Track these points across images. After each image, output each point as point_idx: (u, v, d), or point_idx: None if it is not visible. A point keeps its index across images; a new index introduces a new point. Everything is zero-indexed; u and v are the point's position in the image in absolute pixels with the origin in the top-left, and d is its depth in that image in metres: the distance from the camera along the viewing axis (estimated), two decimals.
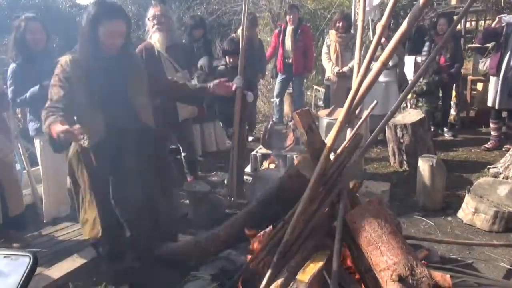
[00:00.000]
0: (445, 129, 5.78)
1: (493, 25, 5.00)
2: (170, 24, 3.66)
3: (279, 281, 1.95)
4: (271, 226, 2.33)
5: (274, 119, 6.31)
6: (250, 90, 4.13)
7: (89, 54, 2.27)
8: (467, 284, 2.34)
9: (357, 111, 2.35)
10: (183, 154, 4.05)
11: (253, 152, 4.45)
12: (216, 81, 2.76)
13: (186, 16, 9.41)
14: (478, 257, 2.92)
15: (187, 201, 3.78)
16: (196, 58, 4.51)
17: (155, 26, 3.57)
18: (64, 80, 2.26)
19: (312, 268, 1.90)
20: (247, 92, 3.92)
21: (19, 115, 4.38)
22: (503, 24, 4.73)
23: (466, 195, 3.46)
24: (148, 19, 3.63)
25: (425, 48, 5.48)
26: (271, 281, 1.98)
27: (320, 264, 1.92)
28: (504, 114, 5.19)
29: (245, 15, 3.72)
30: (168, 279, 2.66)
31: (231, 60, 4.23)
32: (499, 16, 4.87)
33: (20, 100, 3.20)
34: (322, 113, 4.50)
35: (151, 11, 3.60)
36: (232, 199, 4.14)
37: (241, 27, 3.82)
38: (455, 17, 8.59)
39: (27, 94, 3.12)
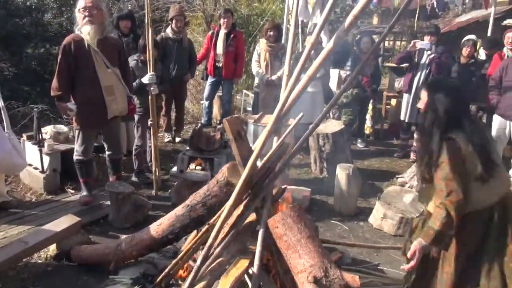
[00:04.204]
0: (359, 140, 6.23)
1: (408, 48, 5.50)
2: (102, 16, 3.50)
3: (201, 285, 1.98)
4: (195, 231, 2.35)
5: (202, 121, 6.32)
6: (162, 83, 4.39)
7: None
8: (374, 284, 2.56)
9: (284, 120, 2.47)
10: (107, 152, 3.89)
11: (180, 154, 4.42)
12: None
13: (114, 7, 9.03)
14: (384, 259, 3.20)
15: (109, 202, 3.66)
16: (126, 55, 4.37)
17: (86, 18, 3.39)
18: None
19: (234, 273, 1.96)
20: (151, 86, 3.97)
21: None
22: (417, 48, 5.23)
23: (377, 202, 3.78)
24: (79, 10, 3.43)
25: (349, 63, 5.85)
26: (193, 285, 2.00)
27: (242, 268, 1.98)
28: (413, 128, 5.73)
29: (148, 14, 3.80)
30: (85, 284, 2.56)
31: (142, 56, 4.27)
32: (414, 41, 5.38)
33: None
34: (251, 119, 4.61)
35: (82, 2, 3.40)
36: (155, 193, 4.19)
37: (146, 23, 3.84)
38: (374, 36, 9.26)
39: None
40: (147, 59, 3.94)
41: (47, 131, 4.42)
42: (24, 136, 4.38)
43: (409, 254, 2.08)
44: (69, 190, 4.10)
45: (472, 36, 5.50)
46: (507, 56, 5.11)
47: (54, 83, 3.44)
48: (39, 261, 2.96)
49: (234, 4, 10.09)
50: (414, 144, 5.61)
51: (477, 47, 6.08)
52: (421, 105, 2.29)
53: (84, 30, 3.40)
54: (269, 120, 2.21)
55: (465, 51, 5.33)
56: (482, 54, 6.17)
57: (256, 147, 2.19)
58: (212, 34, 5.93)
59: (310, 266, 1.95)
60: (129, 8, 9.64)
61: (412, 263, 2.07)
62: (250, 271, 2.15)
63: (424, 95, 2.27)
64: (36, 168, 4.16)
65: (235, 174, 2.26)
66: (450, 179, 2.01)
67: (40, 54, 8.95)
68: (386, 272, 3.00)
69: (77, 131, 3.67)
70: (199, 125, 5.16)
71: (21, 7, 8.99)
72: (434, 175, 2.09)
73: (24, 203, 3.88)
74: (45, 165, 4.08)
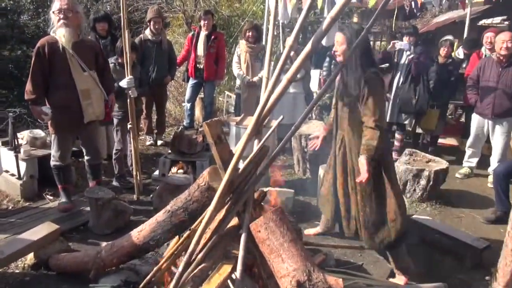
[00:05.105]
0: None
1: (387, 49, 5.57)
2: (78, 19, 3.42)
3: None
4: (177, 236, 2.31)
5: (184, 123, 6.27)
6: (142, 86, 4.39)
7: None
8: (358, 285, 2.56)
9: (264, 122, 2.46)
10: (86, 157, 3.81)
11: (162, 157, 4.36)
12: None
13: (93, 8, 8.88)
14: (368, 259, 3.21)
15: (88, 208, 3.58)
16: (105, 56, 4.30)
17: (62, 21, 3.30)
18: None
19: (217, 279, 1.94)
20: (129, 89, 3.92)
21: None
22: (396, 49, 5.30)
23: None
24: (53, 12, 3.34)
25: (325, 64, 5.87)
26: None
27: (225, 274, 1.96)
28: (394, 127, 5.79)
29: (124, 16, 3.76)
30: None
31: (119, 59, 4.23)
32: (393, 41, 5.45)
33: None
34: (232, 121, 4.58)
35: (57, 4, 3.31)
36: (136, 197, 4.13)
37: (122, 25, 3.78)
38: None
39: None
40: (125, 62, 3.88)
41: (24, 136, 4.31)
42: None
43: (364, 171, 2.58)
44: (47, 196, 4.00)
45: (449, 37, 5.61)
46: (485, 56, 5.22)
47: (28, 86, 3.35)
48: (17, 271, 2.87)
49: (215, 5, 10.06)
50: (395, 143, 5.67)
51: (454, 47, 6.19)
52: (339, 46, 2.77)
53: (59, 33, 3.31)
54: (251, 122, 2.19)
55: (442, 51, 5.42)
56: (460, 53, 6.29)
57: (237, 150, 2.16)
58: (193, 35, 5.89)
59: (293, 270, 1.94)
60: (108, 9, 9.51)
61: (366, 175, 2.56)
62: (233, 276, 2.13)
63: (340, 37, 2.78)
64: (12, 175, 4.05)
65: (217, 178, 2.23)
66: (378, 106, 2.65)
67: (17, 57, 8.74)
68: (370, 272, 3.01)
69: (53, 136, 3.58)
70: (181, 127, 5.11)
71: None
72: (365, 104, 2.67)
73: (1, 211, 3.76)
74: (22, 171, 3.97)
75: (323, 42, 5.46)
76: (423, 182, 4.32)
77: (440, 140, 6.10)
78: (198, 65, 5.85)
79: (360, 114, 2.73)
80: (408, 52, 5.22)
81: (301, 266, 1.95)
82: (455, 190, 4.77)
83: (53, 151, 3.61)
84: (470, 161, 5.14)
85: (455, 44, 6.38)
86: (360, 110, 2.73)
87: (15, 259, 2.83)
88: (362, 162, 2.61)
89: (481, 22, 8.69)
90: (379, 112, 2.66)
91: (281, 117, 2.21)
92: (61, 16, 3.30)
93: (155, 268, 2.33)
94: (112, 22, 5.13)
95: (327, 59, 5.84)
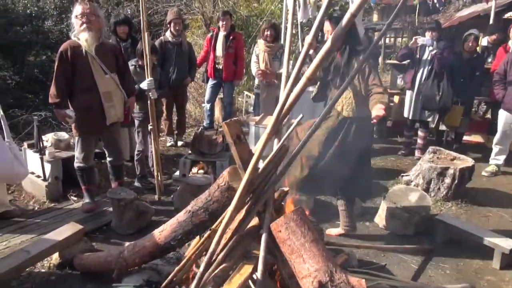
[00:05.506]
0: None
1: (409, 44, 5.45)
2: (99, 22, 3.48)
3: None
4: (198, 236, 2.31)
5: (204, 124, 6.30)
6: (162, 87, 4.41)
7: None
8: (381, 286, 2.51)
9: (284, 121, 2.44)
10: (108, 159, 3.87)
11: (182, 158, 4.39)
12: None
13: (113, 12, 9.03)
14: (391, 260, 3.16)
15: (111, 209, 3.63)
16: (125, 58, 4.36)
17: (84, 25, 3.36)
18: None
19: (238, 279, 1.92)
20: (150, 91, 3.94)
21: None
22: (418, 45, 5.18)
23: (382, 201, 3.73)
24: (76, 17, 3.40)
25: None
26: None
27: (246, 274, 1.95)
28: (417, 125, 5.67)
29: (144, 19, 3.78)
30: None
31: (140, 61, 4.26)
32: (415, 37, 5.32)
33: None
34: (252, 120, 4.57)
35: (79, 9, 3.38)
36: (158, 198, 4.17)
37: (141, 27, 3.81)
38: (376, 33, 9.20)
39: None
40: (145, 64, 3.92)
41: (48, 138, 4.41)
42: (25, 144, 4.38)
43: (382, 110, 2.86)
44: (71, 197, 4.08)
45: (474, 31, 5.44)
46: None
47: (52, 90, 3.42)
48: (42, 270, 2.94)
49: (233, 5, 10.09)
50: (419, 141, 5.55)
51: (479, 41, 6.01)
52: (330, 34, 3.07)
53: (82, 37, 3.38)
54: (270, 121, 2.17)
55: (467, 45, 5.27)
56: (484, 42, 6.11)
57: (256, 150, 2.15)
58: (211, 36, 5.91)
59: (314, 271, 1.91)
60: (128, 12, 9.66)
61: (383, 111, 2.85)
62: (254, 277, 2.12)
63: (328, 25, 3.23)
64: (38, 176, 4.15)
65: (236, 178, 2.22)
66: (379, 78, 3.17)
67: (41, 62, 8.97)
68: (393, 273, 2.95)
69: (76, 138, 3.65)
70: (201, 128, 5.14)
71: (21, 16, 9.01)
72: (369, 77, 3.08)
73: (27, 211, 3.86)
74: (47, 173, 4.07)
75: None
76: (447, 180, 4.21)
77: (465, 137, 5.94)
78: (217, 66, 5.87)
79: (360, 88, 3.11)
80: (431, 48, 5.10)
81: (323, 266, 1.92)
82: (481, 189, 4.63)
83: (77, 153, 3.68)
84: (497, 159, 4.98)
85: (480, 38, 6.19)
86: (358, 83, 3.13)
87: (41, 258, 2.88)
88: (381, 106, 2.91)
89: (507, 15, 8.42)
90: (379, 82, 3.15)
91: (301, 115, 2.18)
92: (84, 20, 3.36)
93: (176, 268, 2.34)
94: (133, 25, 5.20)
95: None
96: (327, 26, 3.27)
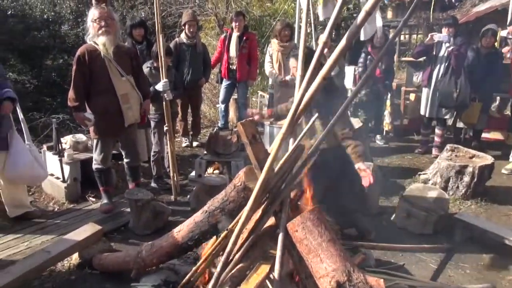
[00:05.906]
0: (378, 137, 6.10)
1: (425, 41, 5.37)
2: (115, 26, 3.53)
3: None
4: (214, 236, 2.32)
5: (219, 124, 6.32)
6: (176, 89, 4.45)
7: None
8: (400, 286, 2.48)
9: (299, 121, 2.43)
10: (125, 160, 3.92)
11: (198, 158, 4.42)
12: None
13: (128, 15, 9.14)
14: (409, 259, 3.12)
15: (129, 209, 3.68)
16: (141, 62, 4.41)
17: (103, 29, 3.41)
18: None
19: (255, 279, 1.93)
20: (165, 92, 3.99)
21: None
22: (435, 41, 5.10)
23: (399, 200, 3.69)
24: (94, 21, 3.45)
25: (361, 60, 5.74)
26: None
27: (263, 274, 1.95)
28: (434, 122, 5.59)
29: (158, 21, 3.82)
30: None
31: (155, 63, 4.30)
32: (431, 34, 5.24)
33: None
34: (266, 120, 4.57)
35: (96, 13, 3.42)
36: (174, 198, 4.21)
37: (156, 30, 3.84)
38: (391, 30, 9.10)
39: None
40: (160, 65, 3.95)
41: (67, 140, 4.49)
42: (45, 147, 4.47)
43: (370, 175, 2.86)
44: (90, 198, 4.15)
45: (492, 26, 5.33)
46: None
47: (70, 94, 3.48)
48: (63, 270, 2.99)
49: (246, 6, 10.09)
50: (436, 139, 5.47)
51: (497, 36, 5.89)
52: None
53: (100, 41, 3.42)
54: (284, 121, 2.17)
55: (485, 41, 5.17)
56: (503, 33, 5.97)
57: (272, 149, 2.15)
58: (225, 37, 5.92)
59: (332, 271, 1.90)
60: (143, 15, 9.75)
61: (371, 178, 2.84)
62: (271, 277, 2.12)
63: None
64: (57, 178, 4.23)
65: (252, 178, 2.22)
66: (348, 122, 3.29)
67: (59, 65, 9.12)
68: (412, 272, 2.91)
69: (95, 140, 3.70)
70: (216, 129, 5.16)
71: (38, 21, 9.18)
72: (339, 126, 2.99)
73: (47, 212, 3.94)
74: (66, 175, 4.14)
75: (361, 36, 5.33)
76: (466, 178, 4.13)
77: (484, 135, 5.82)
78: (231, 66, 5.88)
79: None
80: (448, 44, 5.01)
81: (340, 266, 1.91)
82: (502, 187, 4.54)
83: (95, 155, 3.74)
84: None
85: (498, 33, 6.06)
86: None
87: (61, 258, 2.94)
88: (364, 174, 2.89)
89: None
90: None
91: (316, 115, 2.18)
92: (103, 23, 3.40)
93: (193, 268, 2.35)
94: (148, 28, 5.26)
95: (363, 55, 5.70)
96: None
